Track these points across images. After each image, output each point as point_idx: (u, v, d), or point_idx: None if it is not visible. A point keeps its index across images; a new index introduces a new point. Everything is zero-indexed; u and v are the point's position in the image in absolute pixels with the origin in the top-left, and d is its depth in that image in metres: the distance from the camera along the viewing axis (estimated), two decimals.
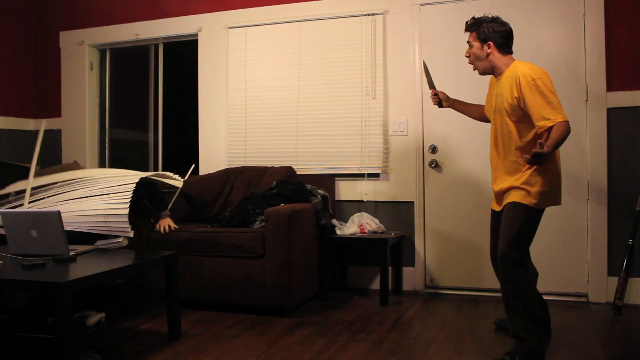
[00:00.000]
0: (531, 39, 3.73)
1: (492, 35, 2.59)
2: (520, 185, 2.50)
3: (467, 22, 2.70)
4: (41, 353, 2.59)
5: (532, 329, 2.42)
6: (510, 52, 2.64)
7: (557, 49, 3.70)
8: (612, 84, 3.57)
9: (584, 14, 3.62)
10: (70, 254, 2.71)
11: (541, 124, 2.41)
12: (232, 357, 2.60)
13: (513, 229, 2.49)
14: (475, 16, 2.68)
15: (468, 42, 2.69)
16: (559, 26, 3.70)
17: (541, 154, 2.31)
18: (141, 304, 2.81)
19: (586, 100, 3.61)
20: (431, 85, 3.03)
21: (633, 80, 3.54)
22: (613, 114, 3.57)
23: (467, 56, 2.72)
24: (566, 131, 2.39)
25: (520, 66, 2.53)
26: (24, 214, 2.85)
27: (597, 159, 3.58)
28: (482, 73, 2.71)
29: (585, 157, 3.60)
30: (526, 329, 2.42)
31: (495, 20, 2.63)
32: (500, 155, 2.65)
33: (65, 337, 2.15)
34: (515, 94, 2.48)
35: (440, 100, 3.01)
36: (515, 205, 2.51)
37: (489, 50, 2.61)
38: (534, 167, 2.47)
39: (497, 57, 2.61)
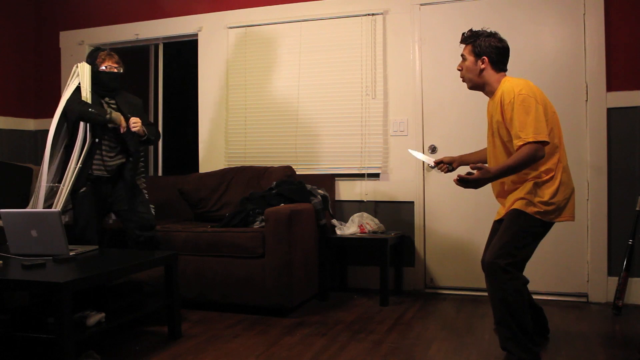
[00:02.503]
0: (531, 39, 3.73)
1: (487, 51, 2.49)
2: (524, 195, 2.41)
3: (463, 34, 2.59)
4: (41, 353, 2.59)
5: (521, 341, 2.33)
6: (504, 70, 2.55)
7: (557, 49, 3.70)
8: (612, 84, 3.57)
9: (584, 14, 3.62)
10: (70, 254, 2.71)
11: (515, 142, 2.35)
12: (232, 357, 2.60)
13: (505, 236, 2.40)
14: (473, 29, 2.58)
15: (462, 55, 2.59)
16: (559, 26, 3.70)
17: (467, 180, 2.29)
18: (141, 304, 2.81)
19: (586, 100, 3.61)
20: (430, 162, 2.85)
21: (633, 80, 3.54)
22: (613, 114, 3.57)
23: (459, 69, 2.62)
24: (528, 155, 2.29)
25: (506, 83, 2.45)
26: (24, 214, 2.85)
27: (597, 159, 3.58)
28: (471, 88, 2.61)
29: (585, 157, 3.60)
30: (515, 341, 2.34)
31: (493, 35, 2.53)
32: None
33: (65, 337, 2.15)
34: (501, 114, 2.43)
35: (449, 163, 2.81)
36: (514, 212, 2.42)
37: (482, 66, 2.51)
38: (538, 178, 2.40)
39: (490, 74, 2.52)
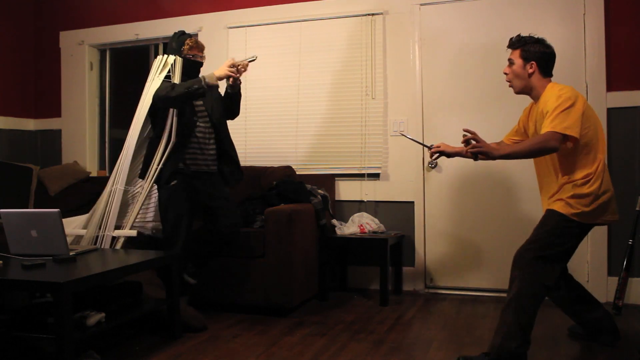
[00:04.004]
0: None
1: (536, 56, 2.55)
2: (564, 197, 2.45)
3: (511, 39, 2.64)
4: (41, 353, 2.59)
5: (512, 333, 2.33)
6: (550, 75, 2.60)
7: (557, 49, 3.63)
8: (612, 84, 3.57)
9: (584, 14, 3.62)
10: (70, 254, 2.71)
11: (542, 130, 2.41)
12: (232, 357, 2.60)
13: (537, 232, 2.46)
14: (521, 34, 2.63)
15: (509, 59, 2.62)
16: (559, 26, 3.70)
17: (480, 148, 2.41)
18: (141, 304, 2.81)
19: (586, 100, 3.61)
20: (426, 145, 2.88)
21: (633, 80, 3.54)
22: (613, 114, 3.57)
23: (505, 73, 2.65)
24: (541, 142, 2.36)
25: (552, 90, 2.50)
26: (24, 214, 2.85)
27: None
28: (518, 92, 2.65)
29: None
30: (508, 329, 2.33)
31: (541, 42, 2.59)
32: (542, 177, 2.64)
33: (65, 337, 2.15)
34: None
35: (445, 153, 2.80)
36: (550, 212, 2.48)
37: (531, 70, 2.56)
38: (578, 182, 2.44)
39: (537, 79, 2.56)
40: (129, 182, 3.35)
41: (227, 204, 3.25)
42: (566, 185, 2.47)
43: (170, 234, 3.13)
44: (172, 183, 3.11)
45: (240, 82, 3.25)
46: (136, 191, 3.36)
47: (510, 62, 2.62)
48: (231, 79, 3.15)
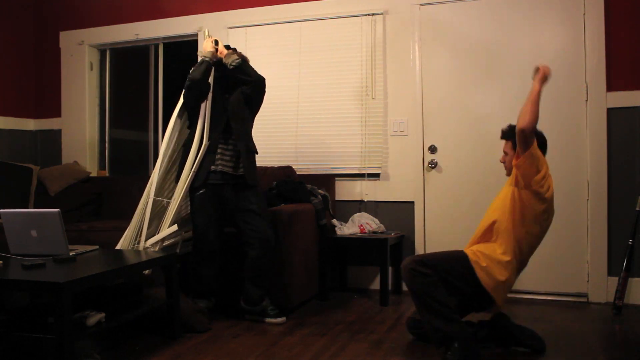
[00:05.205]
0: (531, 39, 3.73)
1: None
2: (474, 249, 2.56)
3: (503, 130, 2.70)
4: (41, 353, 2.59)
5: (444, 313, 2.39)
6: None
7: (557, 49, 3.70)
8: (612, 84, 3.57)
9: (584, 14, 3.62)
10: (70, 254, 2.71)
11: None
12: (232, 357, 2.60)
13: (435, 253, 2.58)
14: (511, 124, 2.65)
15: (504, 151, 2.69)
16: (559, 26, 3.70)
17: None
18: (141, 304, 2.81)
19: (586, 100, 3.61)
20: None
21: (633, 80, 3.54)
22: (613, 114, 3.57)
23: (502, 162, 2.72)
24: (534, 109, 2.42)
25: None
26: (24, 214, 2.85)
27: (597, 159, 3.58)
28: (509, 174, 2.68)
29: (585, 157, 3.60)
30: (438, 316, 2.39)
31: None
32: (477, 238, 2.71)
33: (65, 337, 2.15)
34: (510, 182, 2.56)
35: None
36: (460, 251, 2.58)
37: None
38: (497, 249, 2.52)
39: None
40: (160, 192, 3.23)
41: (255, 222, 3.15)
42: (484, 244, 2.57)
43: (199, 240, 3.20)
44: (201, 192, 3.17)
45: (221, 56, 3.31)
46: (169, 199, 3.23)
47: (505, 153, 2.70)
48: (214, 55, 3.26)
